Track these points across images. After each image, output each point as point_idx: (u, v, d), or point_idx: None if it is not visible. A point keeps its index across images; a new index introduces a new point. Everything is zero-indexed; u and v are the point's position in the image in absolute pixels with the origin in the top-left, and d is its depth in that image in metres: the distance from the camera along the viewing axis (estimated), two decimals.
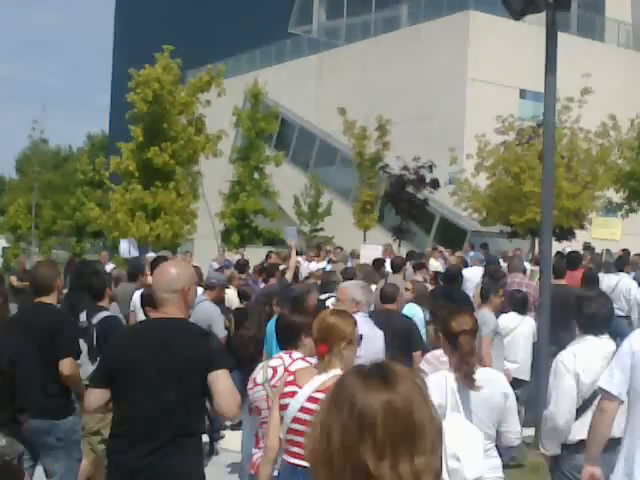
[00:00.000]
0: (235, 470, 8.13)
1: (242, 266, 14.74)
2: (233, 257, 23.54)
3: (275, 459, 4.33)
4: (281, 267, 12.28)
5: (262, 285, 12.11)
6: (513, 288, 10.68)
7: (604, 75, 32.81)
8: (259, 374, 5.03)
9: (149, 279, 8.68)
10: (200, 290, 8.84)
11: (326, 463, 1.63)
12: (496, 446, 4.55)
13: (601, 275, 12.22)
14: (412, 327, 7.60)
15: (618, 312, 11.36)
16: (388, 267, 13.28)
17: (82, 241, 52.05)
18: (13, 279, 15.94)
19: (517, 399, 4.93)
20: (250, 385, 5.05)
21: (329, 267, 15.71)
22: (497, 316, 8.35)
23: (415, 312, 8.54)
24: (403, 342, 7.13)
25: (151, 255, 15.21)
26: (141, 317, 8.44)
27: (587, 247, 19.68)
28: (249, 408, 5.12)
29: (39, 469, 5.93)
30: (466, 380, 4.31)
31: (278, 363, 4.96)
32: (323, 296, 8.50)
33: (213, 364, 3.99)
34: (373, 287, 8.77)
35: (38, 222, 47.54)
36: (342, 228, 30.89)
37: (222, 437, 9.59)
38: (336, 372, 4.07)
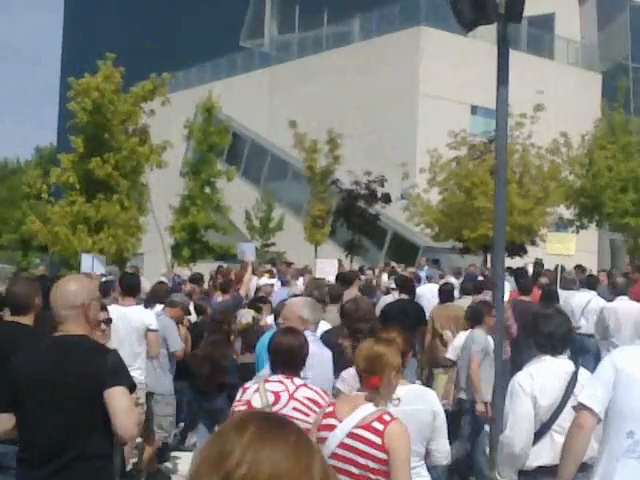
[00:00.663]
0: None
1: (197, 280, 14.69)
2: (182, 272, 23.11)
3: None
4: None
5: (219, 299, 12.05)
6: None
7: (555, 92, 33.20)
8: (254, 398, 4.57)
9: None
10: (160, 307, 9.22)
11: None
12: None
13: (565, 292, 12.13)
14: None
15: (588, 330, 11.28)
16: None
17: (28, 255, 51.12)
18: None
19: None
20: (243, 407, 4.58)
21: (278, 284, 15.54)
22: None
23: None
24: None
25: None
26: None
27: (537, 263, 19.72)
28: None
29: None
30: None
31: (280, 388, 4.56)
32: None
33: (107, 381, 3.75)
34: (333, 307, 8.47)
35: None
36: (294, 243, 30.61)
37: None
38: (381, 407, 3.91)
